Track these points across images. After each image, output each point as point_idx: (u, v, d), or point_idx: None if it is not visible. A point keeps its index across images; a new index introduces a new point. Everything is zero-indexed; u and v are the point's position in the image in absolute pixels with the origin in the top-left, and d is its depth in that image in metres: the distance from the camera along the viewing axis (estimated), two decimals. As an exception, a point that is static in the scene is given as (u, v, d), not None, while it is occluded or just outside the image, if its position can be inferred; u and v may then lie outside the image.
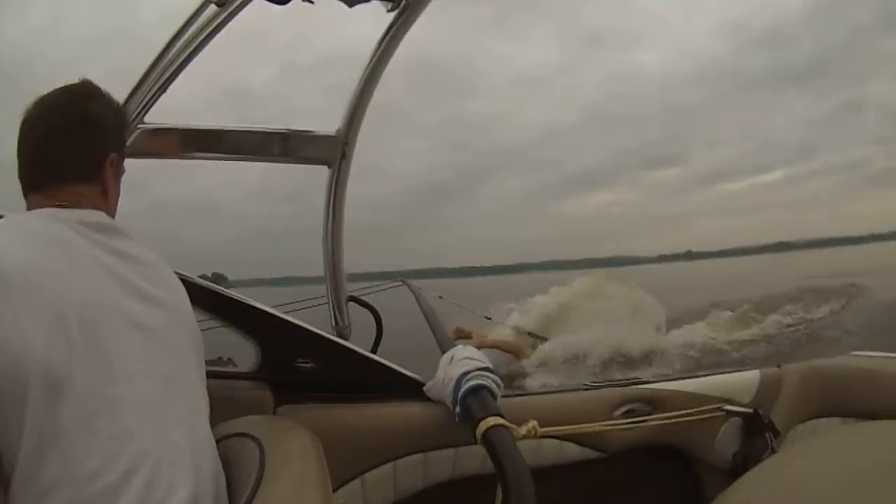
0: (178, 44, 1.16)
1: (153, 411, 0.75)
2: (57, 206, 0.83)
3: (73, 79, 0.92)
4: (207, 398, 0.88)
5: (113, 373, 0.72)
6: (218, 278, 1.27)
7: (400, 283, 3.58)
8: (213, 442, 0.86)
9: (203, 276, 1.29)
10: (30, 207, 0.85)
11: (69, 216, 0.81)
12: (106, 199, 0.91)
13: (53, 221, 0.80)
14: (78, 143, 0.88)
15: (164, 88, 1.18)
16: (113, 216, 0.91)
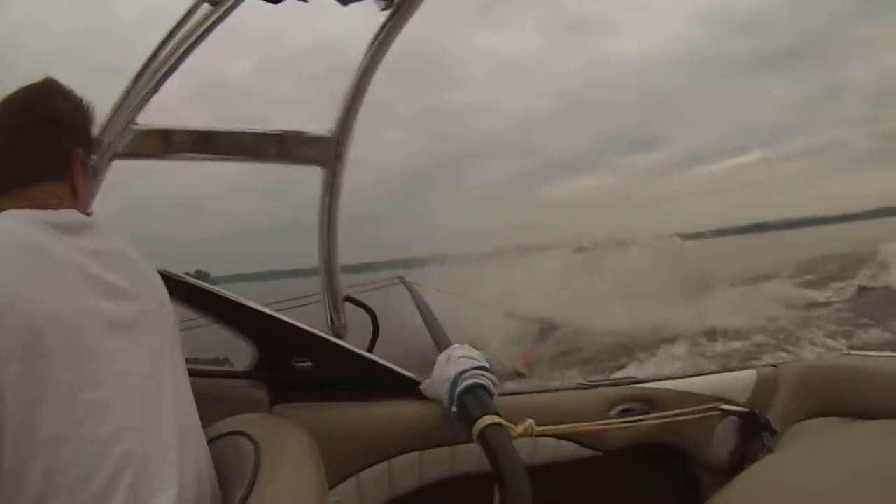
0: (171, 43, 1.16)
1: (139, 410, 0.74)
2: (27, 206, 0.81)
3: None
4: (190, 386, 0.88)
5: (95, 376, 0.72)
6: (200, 275, 1.27)
7: (397, 280, 3.59)
8: (201, 430, 0.86)
9: (186, 274, 1.28)
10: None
11: (40, 217, 0.80)
12: (76, 197, 0.89)
13: (24, 223, 0.78)
14: (43, 141, 0.87)
15: (156, 89, 1.18)
16: (85, 212, 0.90)
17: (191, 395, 0.87)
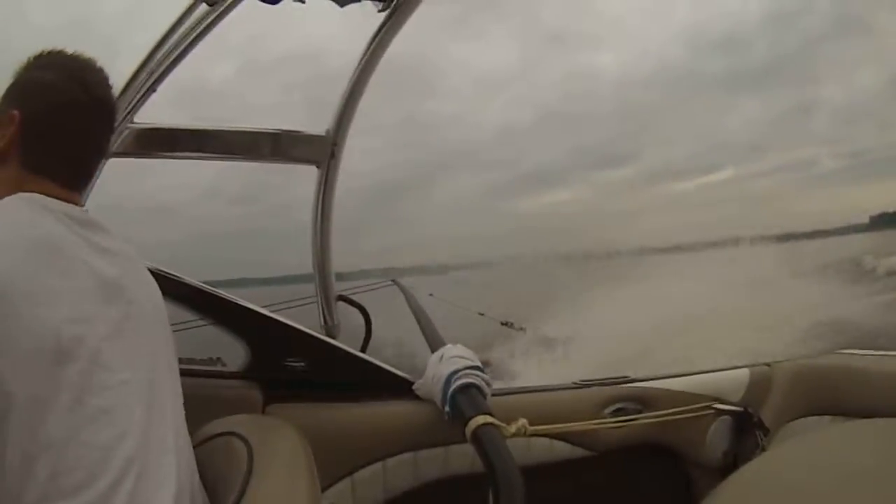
0: (169, 43, 1.15)
1: (140, 416, 0.75)
2: (46, 195, 0.80)
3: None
4: (181, 388, 0.88)
5: (101, 383, 0.72)
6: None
7: (391, 282, 3.64)
8: (187, 430, 0.86)
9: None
10: (19, 183, 0.81)
11: (56, 207, 0.79)
12: (81, 196, 0.89)
13: (42, 213, 0.78)
14: (101, 150, 0.90)
15: (153, 88, 1.18)
16: None
17: (181, 397, 0.88)
